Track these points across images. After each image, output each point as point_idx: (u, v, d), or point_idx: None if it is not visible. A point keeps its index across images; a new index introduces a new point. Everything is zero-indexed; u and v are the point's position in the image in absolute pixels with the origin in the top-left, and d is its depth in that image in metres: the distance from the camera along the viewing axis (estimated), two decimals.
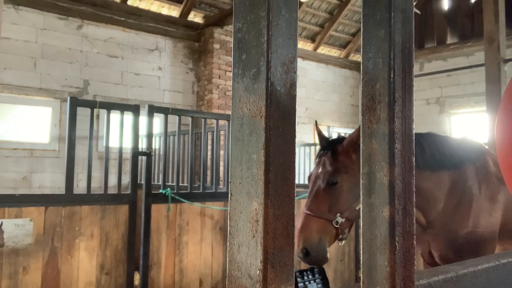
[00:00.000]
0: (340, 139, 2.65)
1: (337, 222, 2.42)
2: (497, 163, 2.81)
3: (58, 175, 7.40)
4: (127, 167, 5.03)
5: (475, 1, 10.02)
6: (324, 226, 2.42)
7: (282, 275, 0.66)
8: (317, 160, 2.68)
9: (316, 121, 2.98)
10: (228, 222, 0.70)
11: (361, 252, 0.82)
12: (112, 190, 5.63)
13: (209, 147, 6.34)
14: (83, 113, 4.08)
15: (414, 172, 0.81)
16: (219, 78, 8.82)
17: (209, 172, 5.69)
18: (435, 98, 11.05)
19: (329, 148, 2.60)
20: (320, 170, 2.57)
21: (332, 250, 5.29)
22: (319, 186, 2.52)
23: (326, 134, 2.77)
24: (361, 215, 0.83)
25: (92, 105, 4.01)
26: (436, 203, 2.61)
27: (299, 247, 2.39)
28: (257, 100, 0.67)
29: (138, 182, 4.24)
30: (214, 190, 4.72)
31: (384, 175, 0.79)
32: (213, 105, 8.68)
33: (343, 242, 2.56)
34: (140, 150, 4.40)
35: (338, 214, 2.43)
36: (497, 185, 2.73)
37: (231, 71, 0.73)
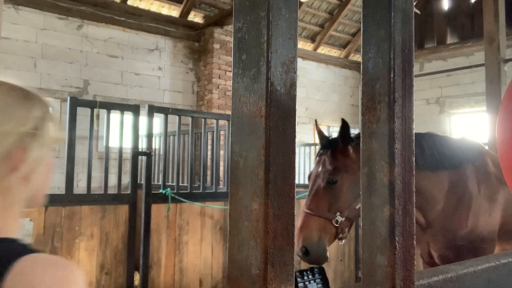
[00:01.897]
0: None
1: (336, 221, 2.42)
2: (496, 164, 2.81)
3: (58, 175, 7.39)
4: (127, 167, 5.03)
5: (475, 1, 10.02)
6: (324, 225, 2.42)
7: (282, 275, 0.66)
8: (317, 159, 2.67)
9: (316, 120, 2.98)
10: (228, 222, 0.70)
11: (361, 252, 0.82)
12: (112, 190, 5.62)
13: (209, 147, 6.34)
14: (83, 113, 4.08)
15: (414, 172, 0.81)
16: (219, 78, 8.82)
17: (209, 172, 5.69)
18: (435, 98, 11.05)
19: (329, 147, 2.60)
20: (320, 169, 2.56)
21: (332, 250, 5.28)
22: (319, 185, 2.52)
23: (326, 134, 2.77)
24: (361, 215, 0.83)
25: (92, 105, 4.01)
26: (436, 203, 2.61)
27: (299, 246, 2.39)
28: (257, 100, 0.67)
29: (138, 182, 4.24)
30: (214, 190, 4.72)
31: (384, 175, 0.79)
32: (213, 105, 8.68)
33: (343, 241, 2.56)
34: (140, 150, 4.39)
35: (338, 213, 2.43)
36: (496, 185, 2.73)
37: (231, 71, 0.73)
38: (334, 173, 2.49)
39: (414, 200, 0.81)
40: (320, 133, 2.74)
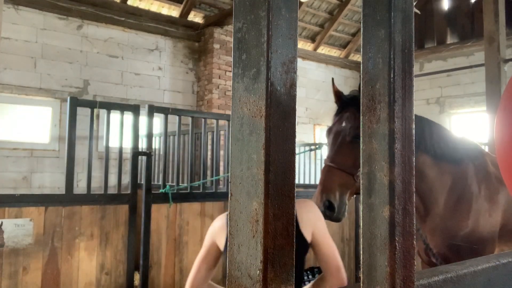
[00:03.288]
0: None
1: (358, 177, 2.42)
2: (495, 164, 2.81)
3: (58, 175, 7.40)
4: (127, 167, 5.03)
5: (475, 1, 10.02)
6: (346, 179, 2.41)
7: (282, 275, 0.66)
8: (337, 117, 2.65)
9: (332, 78, 2.94)
10: (228, 222, 0.70)
11: (361, 252, 0.82)
12: (112, 190, 5.62)
13: (209, 147, 6.34)
14: (83, 113, 4.08)
15: (414, 172, 0.81)
16: (219, 78, 8.82)
17: (209, 172, 5.69)
18: (435, 98, 11.05)
19: (353, 103, 2.59)
20: (344, 124, 2.55)
21: None
22: (343, 140, 2.50)
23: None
24: (360, 215, 0.83)
25: (92, 105, 4.01)
26: (438, 196, 2.61)
27: (322, 200, 2.36)
28: (257, 100, 0.67)
29: (138, 182, 4.24)
30: (214, 190, 4.72)
31: (384, 175, 0.79)
32: (213, 105, 8.68)
33: (355, 196, 2.56)
34: (140, 150, 4.39)
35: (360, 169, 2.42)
36: (496, 185, 2.73)
37: (231, 71, 0.73)
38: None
39: (414, 200, 0.81)
40: (337, 92, 2.72)
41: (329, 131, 2.65)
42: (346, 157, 2.46)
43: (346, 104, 2.63)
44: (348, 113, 2.58)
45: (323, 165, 2.56)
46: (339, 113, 2.66)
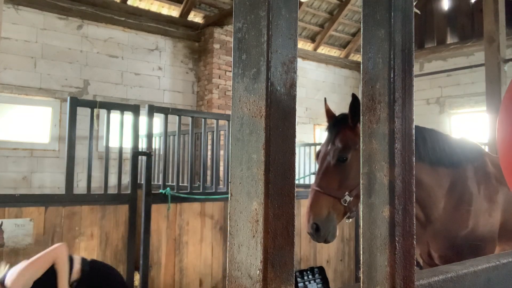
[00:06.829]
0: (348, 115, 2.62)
1: (345, 201, 2.42)
2: (495, 164, 2.81)
3: (58, 175, 7.40)
4: (127, 167, 5.03)
5: (475, 1, 10.01)
6: (333, 203, 2.42)
7: (282, 275, 0.66)
8: (326, 138, 2.65)
9: (325, 98, 2.93)
10: (228, 222, 0.70)
11: (361, 252, 0.82)
12: (112, 190, 5.62)
13: (209, 147, 6.34)
14: (83, 113, 4.08)
15: (414, 172, 0.81)
16: (219, 78, 8.82)
17: (209, 172, 5.69)
18: (435, 98, 11.05)
19: (339, 124, 2.58)
20: (329, 147, 2.54)
21: (332, 250, 5.28)
22: (329, 163, 2.50)
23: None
24: (361, 215, 0.83)
25: (92, 105, 4.01)
26: (437, 201, 2.61)
27: (309, 223, 2.38)
28: (257, 100, 0.67)
29: (138, 182, 4.25)
30: (214, 190, 4.72)
31: (384, 175, 0.79)
32: (213, 105, 8.68)
33: (350, 220, 2.55)
34: (140, 150, 4.39)
35: (347, 192, 2.42)
36: (496, 185, 2.73)
37: (231, 71, 0.73)
38: (345, 151, 2.47)
39: (414, 200, 0.81)
40: (329, 112, 2.71)
41: (317, 154, 2.65)
42: (331, 181, 2.46)
43: (334, 124, 2.61)
44: (334, 134, 2.57)
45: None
46: (327, 133, 2.66)
